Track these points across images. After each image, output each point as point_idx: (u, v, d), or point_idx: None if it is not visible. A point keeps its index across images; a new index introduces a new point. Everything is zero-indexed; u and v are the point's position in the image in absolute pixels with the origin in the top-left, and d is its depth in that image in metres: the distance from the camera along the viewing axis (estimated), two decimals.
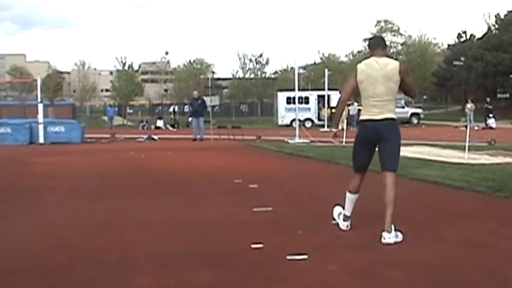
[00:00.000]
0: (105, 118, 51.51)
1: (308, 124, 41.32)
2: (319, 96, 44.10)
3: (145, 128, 42.41)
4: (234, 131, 26.06)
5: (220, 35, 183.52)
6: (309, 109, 44.10)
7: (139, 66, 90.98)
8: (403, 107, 43.05)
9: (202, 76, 70.64)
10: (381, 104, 5.47)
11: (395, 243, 5.25)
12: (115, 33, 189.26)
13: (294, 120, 31.47)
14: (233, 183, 9.71)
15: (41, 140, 22.93)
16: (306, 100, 43.63)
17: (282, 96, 45.11)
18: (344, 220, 5.83)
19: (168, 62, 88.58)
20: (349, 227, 5.81)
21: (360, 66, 5.64)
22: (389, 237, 5.27)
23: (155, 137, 26.90)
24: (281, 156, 15.90)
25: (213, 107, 29.13)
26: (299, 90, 27.25)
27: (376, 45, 5.74)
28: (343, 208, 5.88)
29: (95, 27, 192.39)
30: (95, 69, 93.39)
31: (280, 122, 44.45)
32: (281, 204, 7.50)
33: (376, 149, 5.61)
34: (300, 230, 5.87)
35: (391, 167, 5.47)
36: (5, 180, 10.92)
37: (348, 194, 5.83)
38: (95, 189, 9.47)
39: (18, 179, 11.22)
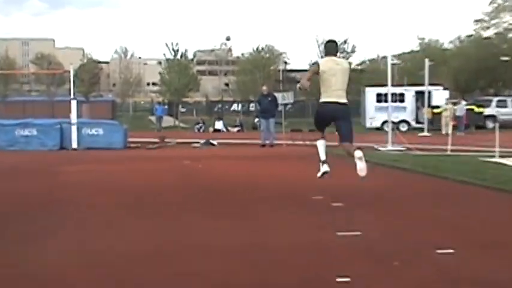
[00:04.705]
0: (153, 118, 52.34)
1: (403, 127, 40.98)
2: (417, 92, 43.59)
3: (201, 130, 42.82)
4: (310, 135, 26.00)
5: (294, 17, 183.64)
6: (405, 108, 43.63)
7: (195, 55, 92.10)
8: None
9: (272, 67, 70.85)
10: (340, 91, 9.10)
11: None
12: (164, 14, 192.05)
13: (385, 122, 31.23)
14: (311, 200, 9.73)
15: (74, 145, 23.19)
16: (401, 97, 43.18)
17: (370, 93, 44.95)
18: (323, 164, 9.42)
19: (230, 50, 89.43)
20: (328, 168, 9.40)
21: (322, 60, 9.44)
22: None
23: (214, 141, 27.11)
24: (370, 168, 15.73)
25: (286, 105, 29.04)
26: (392, 85, 27.02)
27: (332, 49, 9.67)
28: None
29: (139, 7, 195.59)
30: (139, 58, 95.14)
31: (368, 125, 44.15)
32: (372, 228, 7.48)
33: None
34: (396, 261, 5.83)
35: (349, 139, 9.17)
36: (32, 196, 11.10)
37: (318, 142, 9.53)
38: (141, 207, 9.60)
39: (47, 193, 11.33)
